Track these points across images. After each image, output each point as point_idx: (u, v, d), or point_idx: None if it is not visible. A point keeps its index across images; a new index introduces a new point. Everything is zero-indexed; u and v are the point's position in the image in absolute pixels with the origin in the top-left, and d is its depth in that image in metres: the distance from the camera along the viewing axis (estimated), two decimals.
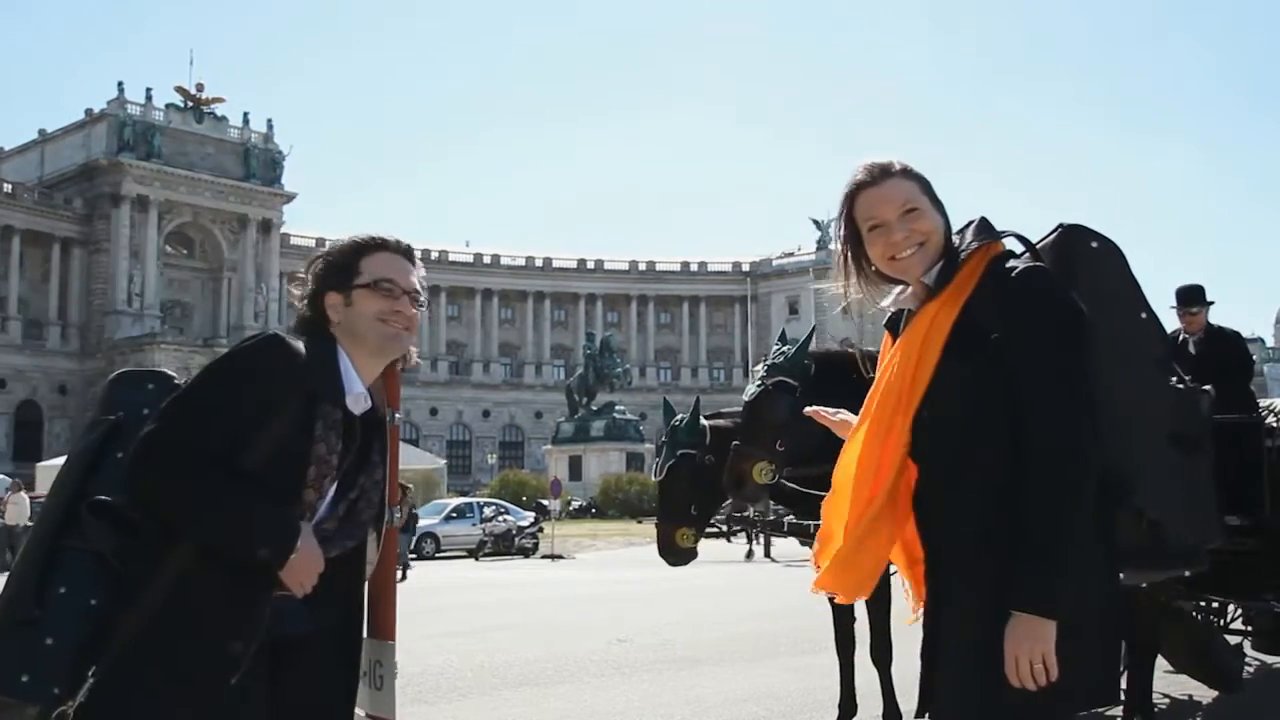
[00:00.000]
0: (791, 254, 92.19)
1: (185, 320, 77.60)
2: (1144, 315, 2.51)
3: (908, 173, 2.48)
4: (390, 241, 2.62)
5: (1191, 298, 7.13)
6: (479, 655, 9.67)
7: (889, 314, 2.59)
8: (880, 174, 2.47)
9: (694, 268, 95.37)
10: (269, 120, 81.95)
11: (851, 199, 2.49)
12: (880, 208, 2.45)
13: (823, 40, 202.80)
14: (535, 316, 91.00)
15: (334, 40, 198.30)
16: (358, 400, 2.50)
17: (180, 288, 78.95)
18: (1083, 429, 2.24)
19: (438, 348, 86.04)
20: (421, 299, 2.62)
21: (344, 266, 2.54)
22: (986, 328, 2.30)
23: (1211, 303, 7.22)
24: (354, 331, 2.52)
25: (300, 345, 2.43)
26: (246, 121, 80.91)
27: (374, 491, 2.58)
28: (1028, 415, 2.25)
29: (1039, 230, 2.79)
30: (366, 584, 2.71)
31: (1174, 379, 2.56)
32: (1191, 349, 6.95)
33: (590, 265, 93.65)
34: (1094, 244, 2.52)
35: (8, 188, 72.35)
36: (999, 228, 2.50)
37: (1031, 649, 2.17)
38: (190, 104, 78.11)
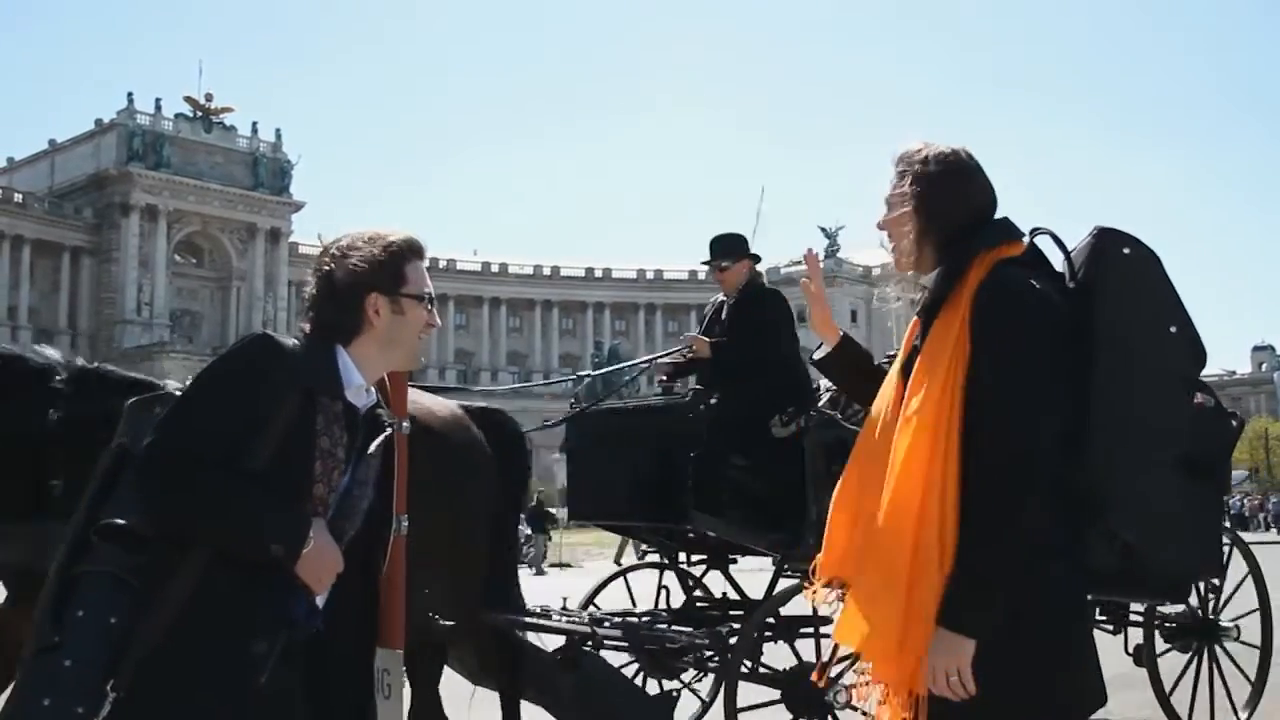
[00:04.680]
0: (799, 262, 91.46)
1: (194, 329, 77.71)
2: (1174, 329, 2.42)
3: (906, 166, 2.53)
4: (424, 249, 2.62)
5: (721, 249, 5.94)
6: None
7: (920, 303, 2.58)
8: (895, 163, 2.56)
9: (702, 276, 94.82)
10: (277, 130, 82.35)
11: None
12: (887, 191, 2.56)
13: (833, 49, 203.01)
14: (543, 325, 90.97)
15: (342, 50, 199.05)
16: (359, 393, 2.50)
17: (189, 296, 79.14)
18: (1034, 443, 2.23)
19: (445, 356, 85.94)
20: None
21: (392, 270, 2.52)
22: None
23: (755, 257, 6.01)
24: (393, 338, 2.52)
25: (290, 342, 2.43)
26: (255, 131, 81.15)
27: (369, 484, 2.55)
28: (981, 422, 2.25)
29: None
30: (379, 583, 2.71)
31: (1201, 399, 2.44)
32: (723, 313, 6.00)
33: (598, 274, 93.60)
34: (1126, 250, 2.46)
35: (18, 198, 72.69)
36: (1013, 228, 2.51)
37: (945, 663, 2.20)
38: (199, 114, 78.37)
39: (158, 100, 76.98)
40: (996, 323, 2.29)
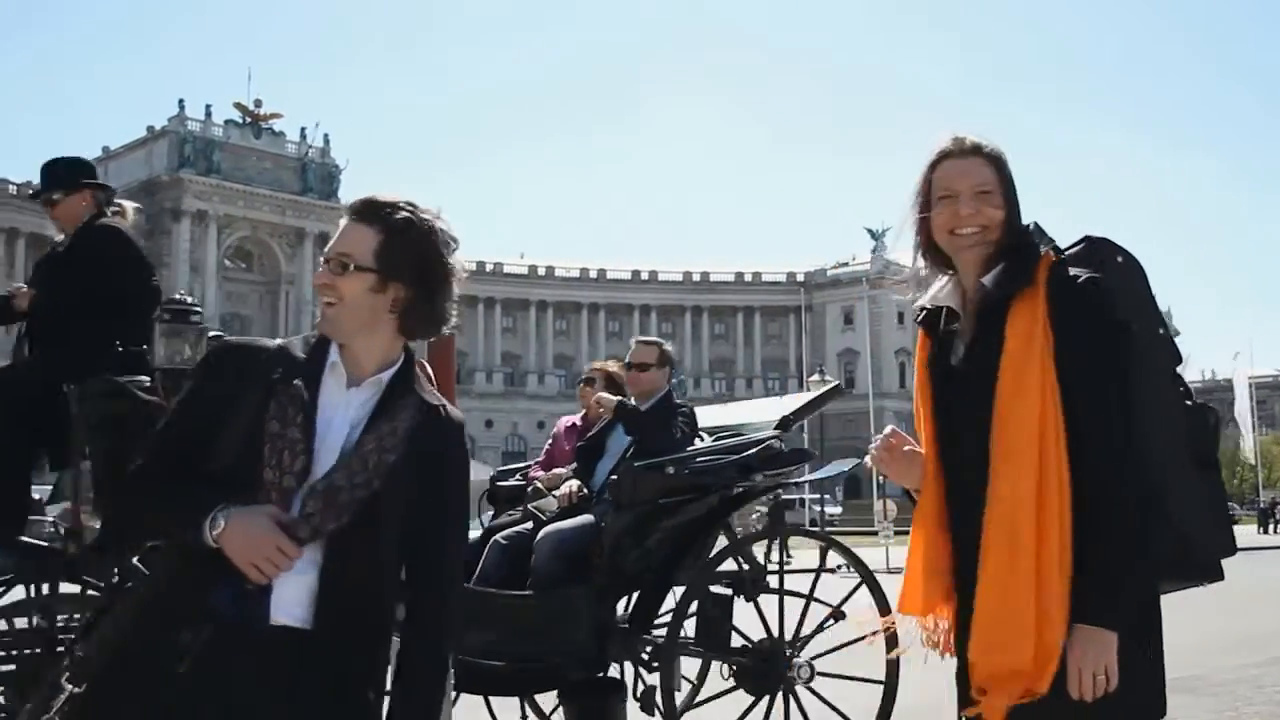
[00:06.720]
0: (846, 264, 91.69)
1: (244, 333, 78.05)
2: (1161, 331, 2.56)
3: (994, 158, 2.45)
4: (360, 205, 2.41)
5: (52, 178, 4.99)
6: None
7: (924, 311, 2.56)
8: (968, 149, 2.45)
9: (748, 278, 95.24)
10: (325, 135, 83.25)
11: (933, 167, 2.46)
12: (957, 180, 2.43)
13: (876, 50, 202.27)
14: (590, 328, 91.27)
15: (388, 54, 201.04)
16: (334, 370, 2.35)
17: (239, 301, 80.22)
18: (1133, 451, 2.28)
19: (493, 359, 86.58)
20: (345, 264, 2.33)
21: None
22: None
23: (103, 188, 5.13)
24: None
25: (251, 341, 2.42)
26: (304, 136, 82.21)
27: (365, 473, 2.33)
28: (1090, 436, 2.28)
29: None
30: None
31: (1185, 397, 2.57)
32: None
33: (644, 276, 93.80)
34: (1120, 258, 2.56)
35: None
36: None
37: (1095, 660, 2.22)
38: (249, 120, 79.51)
39: (208, 107, 78.34)
40: (1088, 319, 2.32)
